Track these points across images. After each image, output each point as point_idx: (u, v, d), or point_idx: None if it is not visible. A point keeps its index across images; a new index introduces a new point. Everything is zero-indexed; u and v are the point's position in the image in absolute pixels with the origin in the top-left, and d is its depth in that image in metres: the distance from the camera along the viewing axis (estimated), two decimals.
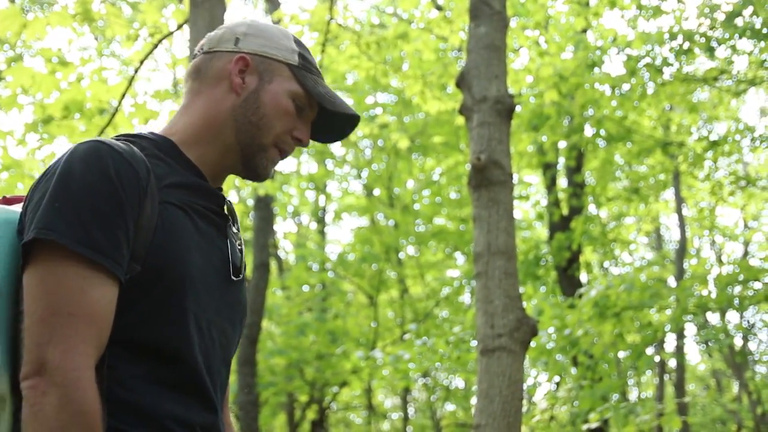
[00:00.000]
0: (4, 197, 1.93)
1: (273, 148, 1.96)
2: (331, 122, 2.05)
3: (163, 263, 1.74)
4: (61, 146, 7.90)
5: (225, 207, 1.97)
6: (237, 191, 13.26)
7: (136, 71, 7.31)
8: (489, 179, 5.63)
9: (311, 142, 2.07)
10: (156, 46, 7.62)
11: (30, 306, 1.64)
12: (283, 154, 1.99)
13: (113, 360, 1.70)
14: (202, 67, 1.98)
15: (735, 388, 21.20)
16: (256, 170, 1.96)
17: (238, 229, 2.00)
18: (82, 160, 1.71)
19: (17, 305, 1.71)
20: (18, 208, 1.85)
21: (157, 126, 6.30)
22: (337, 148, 17.84)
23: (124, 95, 7.07)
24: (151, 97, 8.56)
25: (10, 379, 1.70)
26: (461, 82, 5.97)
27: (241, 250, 1.97)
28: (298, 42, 2.02)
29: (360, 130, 14.86)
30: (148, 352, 1.74)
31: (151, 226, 1.73)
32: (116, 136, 1.89)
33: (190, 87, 2.00)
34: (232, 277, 1.91)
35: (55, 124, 7.48)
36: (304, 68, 1.98)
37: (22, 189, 7.32)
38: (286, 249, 21.55)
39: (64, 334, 1.61)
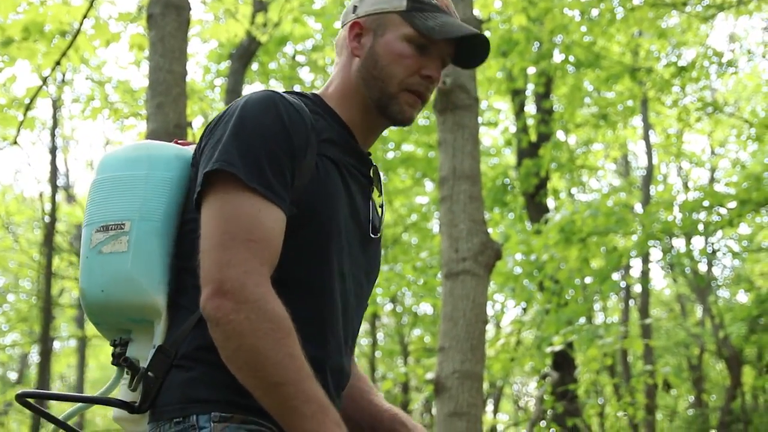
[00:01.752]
0: (176, 141, 2.08)
1: (404, 93, 2.02)
2: (464, 47, 2.06)
3: (314, 209, 1.88)
4: (22, 68, 7.77)
5: (371, 171, 2.10)
6: (205, 116, 13.13)
7: None
8: (454, 103, 5.60)
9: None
10: None
11: (208, 231, 1.79)
12: (420, 95, 2.04)
13: None
14: (337, 41, 2.12)
15: (698, 312, 21.53)
16: (395, 117, 2.04)
17: (381, 193, 2.14)
18: (259, 106, 1.87)
19: (179, 229, 1.92)
20: (191, 148, 2.03)
21: None
22: (305, 74, 17.65)
23: (85, 16, 6.92)
24: (114, 20, 8.40)
25: (167, 296, 1.89)
26: None
27: (381, 212, 2.14)
28: None
29: (328, 57, 14.71)
30: (292, 288, 1.85)
31: (308, 173, 1.88)
32: (287, 92, 2.01)
33: (336, 60, 2.14)
34: (371, 234, 2.06)
35: (15, 46, 7.34)
36: (414, 8, 2.02)
37: None
38: None
39: (242, 257, 1.75)
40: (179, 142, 2.09)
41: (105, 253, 1.88)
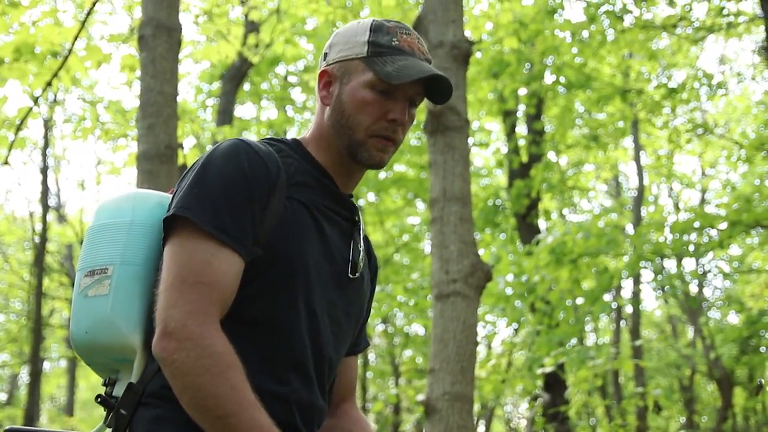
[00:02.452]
0: (172, 190, 2.12)
1: (372, 139, 2.05)
2: (431, 83, 2.07)
3: (281, 249, 1.93)
4: (12, 89, 7.78)
5: (355, 214, 2.15)
6: (197, 138, 13.13)
7: (88, 13, 7.18)
8: (445, 125, 5.62)
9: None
10: None
11: (164, 274, 1.87)
12: (389, 139, 2.06)
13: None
14: (315, 86, 2.23)
15: (690, 333, 21.53)
16: (365, 163, 2.08)
17: (364, 237, 2.19)
18: (222, 154, 1.95)
19: (157, 273, 1.95)
20: None
21: None
22: (297, 94, 17.69)
23: (76, 38, 6.93)
24: (106, 41, 8.41)
25: (143, 336, 1.94)
26: (418, 27, 5.92)
27: (366, 251, 2.20)
28: (375, 28, 2.07)
29: None
30: (259, 326, 1.93)
31: (275, 216, 1.94)
32: (261, 140, 2.10)
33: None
34: (350, 275, 2.08)
35: (6, 66, 7.34)
36: (374, 53, 2.04)
37: None
38: None
39: (189, 298, 1.81)
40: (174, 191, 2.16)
41: (90, 296, 1.98)
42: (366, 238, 2.24)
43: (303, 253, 1.96)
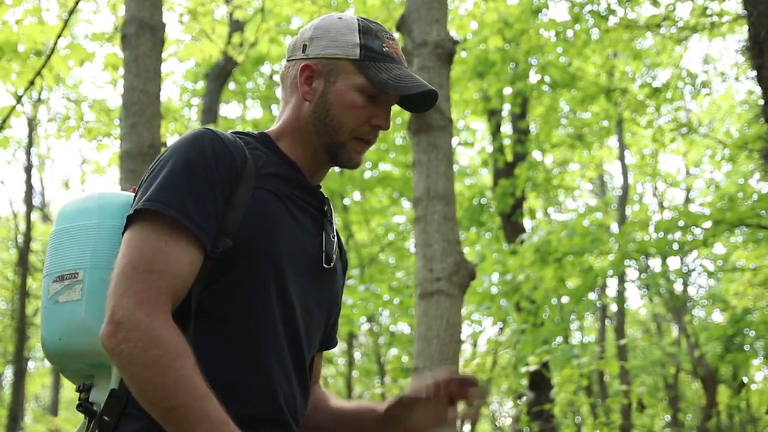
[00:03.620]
0: (133, 188, 2.08)
1: (353, 141, 2.05)
2: (412, 96, 2.08)
3: (251, 239, 1.90)
4: None
5: (324, 204, 2.11)
6: (180, 135, 13.11)
7: (71, 12, 7.15)
8: (429, 124, 5.62)
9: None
10: None
11: (117, 259, 1.83)
12: (368, 143, 2.08)
13: (196, 330, 1.86)
14: (284, 77, 2.14)
15: (674, 331, 21.60)
16: (344, 164, 2.07)
17: (333, 227, 2.15)
18: (185, 143, 1.92)
19: None
20: None
21: None
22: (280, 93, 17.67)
23: (59, 36, 6.90)
24: (90, 39, 8.38)
25: None
26: (402, 26, 5.93)
27: (338, 243, 2.16)
28: (364, 30, 2.07)
29: None
30: (231, 323, 1.89)
31: (243, 206, 1.90)
32: (230, 132, 2.05)
33: (281, 95, 2.16)
34: (324, 264, 2.05)
35: None
36: (368, 58, 2.03)
37: None
38: None
39: (137, 288, 1.77)
40: (135, 189, 2.11)
41: (61, 302, 1.94)
42: (337, 231, 2.21)
43: (274, 243, 1.93)
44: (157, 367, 1.72)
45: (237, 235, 1.89)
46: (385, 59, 2.04)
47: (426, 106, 2.12)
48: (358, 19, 2.09)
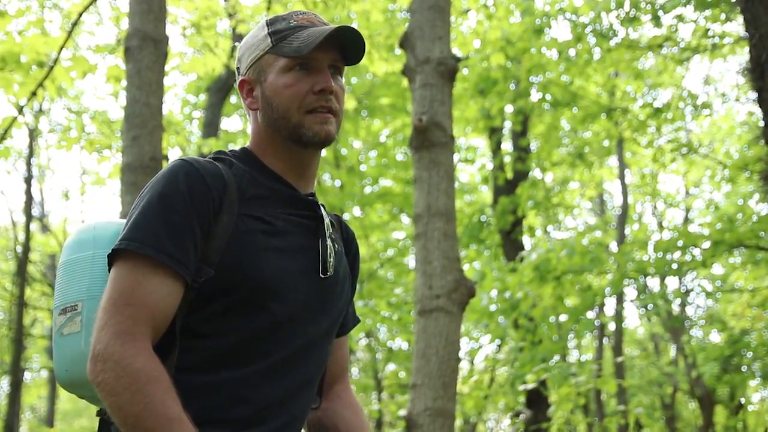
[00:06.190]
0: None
1: (307, 116, 2.04)
2: (345, 44, 2.07)
3: (236, 267, 1.92)
4: None
5: (317, 212, 2.11)
6: (182, 150, 13.11)
7: (74, 24, 7.16)
8: (430, 141, 5.63)
9: None
10: None
11: (101, 299, 1.88)
12: (325, 109, 2.06)
13: (184, 351, 1.91)
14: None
15: (672, 351, 21.57)
16: (312, 141, 2.05)
17: (332, 230, 2.15)
18: (162, 177, 1.95)
19: None
20: None
21: None
22: None
23: (62, 47, 6.92)
24: (93, 51, 8.40)
25: None
26: (405, 43, 5.94)
27: (342, 239, 2.22)
28: (271, 21, 2.11)
29: None
30: (232, 345, 1.93)
31: (225, 235, 1.94)
32: (212, 153, 2.12)
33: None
34: (321, 275, 2.06)
35: None
36: (279, 40, 2.06)
37: None
38: None
39: (114, 321, 1.82)
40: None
41: (65, 334, 2.00)
42: (344, 224, 2.25)
43: (260, 268, 1.95)
44: (127, 394, 1.77)
45: (221, 263, 1.92)
46: (295, 31, 2.07)
47: (358, 51, 2.10)
48: (267, 17, 2.14)
